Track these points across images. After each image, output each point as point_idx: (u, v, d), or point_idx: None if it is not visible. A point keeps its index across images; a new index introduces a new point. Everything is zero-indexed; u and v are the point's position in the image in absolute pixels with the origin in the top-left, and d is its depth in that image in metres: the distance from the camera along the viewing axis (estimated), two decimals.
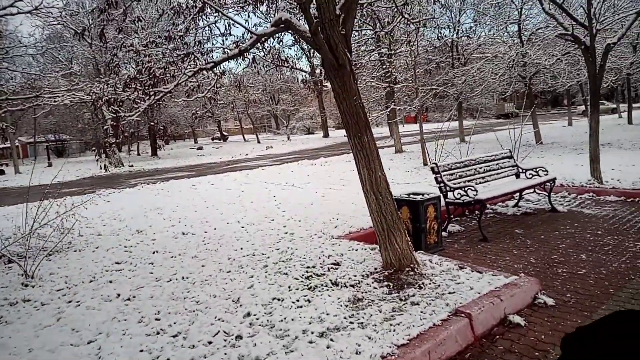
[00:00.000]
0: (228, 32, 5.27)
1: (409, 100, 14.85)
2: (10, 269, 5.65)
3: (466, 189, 5.65)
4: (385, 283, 3.98)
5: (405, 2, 6.14)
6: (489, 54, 17.07)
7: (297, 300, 3.69)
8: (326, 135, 41.21)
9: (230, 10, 5.47)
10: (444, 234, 5.58)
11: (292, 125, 49.44)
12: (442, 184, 5.85)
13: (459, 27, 17.67)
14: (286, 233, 6.25)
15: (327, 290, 3.89)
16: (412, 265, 4.15)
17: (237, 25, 5.88)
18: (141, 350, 3.14)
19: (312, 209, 7.87)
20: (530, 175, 7.00)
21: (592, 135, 7.79)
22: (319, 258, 4.81)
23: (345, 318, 3.29)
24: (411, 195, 5.10)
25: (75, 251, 6.32)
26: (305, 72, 37.56)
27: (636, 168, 9.40)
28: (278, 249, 5.41)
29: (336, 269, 4.46)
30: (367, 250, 4.96)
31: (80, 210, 7.21)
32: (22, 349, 3.35)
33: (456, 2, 17.88)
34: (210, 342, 3.17)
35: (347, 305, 3.53)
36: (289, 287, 4.01)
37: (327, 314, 3.37)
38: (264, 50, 6.14)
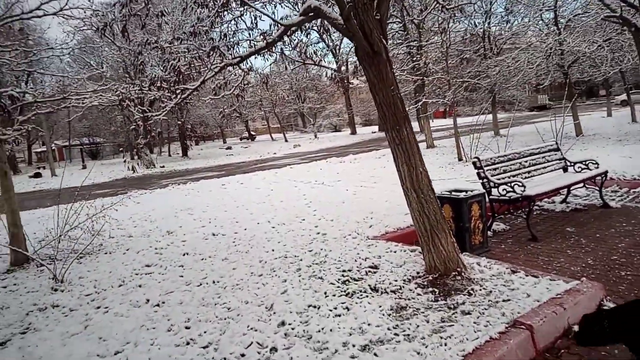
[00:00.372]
0: (255, 25, 5.04)
1: (441, 94, 14.34)
2: (42, 272, 5.59)
3: (512, 184, 5.24)
4: (430, 289, 3.65)
5: None
6: (522, 44, 16.36)
7: (335, 308, 3.41)
8: (353, 132, 40.78)
9: (257, 2, 5.24)
10: (488, 233, 5.19)
11: (319, 123, 49.23)
12: (485, 180, 5.45)
13: (490, 16, 17.01)
14: (318, 233, 5.99)
15: (367, 296, 3.60)
16: (458, 269, 3.81)
17: (263, 19, 5.64)
18: None
19: (343, 208, 7.58)
20: (580, 169, 6.50)
21: None
22: (355, 261, 4.52)
23: (389, 329, 2.99)
24: (453, 193, 4.74)
25: (106, 253, 6.24)
26: (332, 69, 37.25)
27: None
28: (311, 251, 5.15)
29: (374, 272, 4.16)
30: (406, 252, 4.64)
31: (110, 212, 7.15)
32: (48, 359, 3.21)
33: None
34: (243, 355, 2.93)
35: (390, 314, 3.23)
36: (325, 293, 3.74)
37: (369, 324, 3.08)
38: (291, 43, 5.87)
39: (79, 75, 7.76)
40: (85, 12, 6.42)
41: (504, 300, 3.30)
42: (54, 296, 4.57)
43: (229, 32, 5.01)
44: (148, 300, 4.14)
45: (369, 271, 4.20)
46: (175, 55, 5.19)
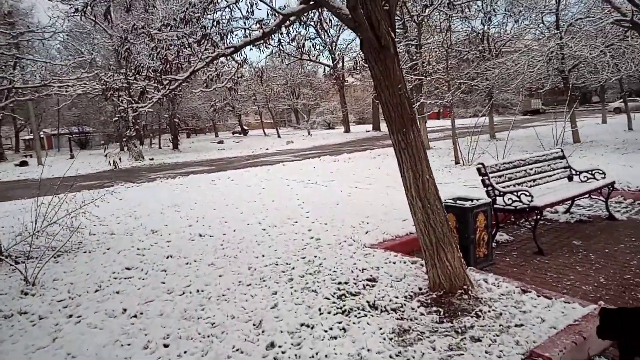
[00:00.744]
0: (251, 12, 4.68)
1: (440, 94, 14.05)
2: (14, 272, 5.18)
3: (519, 193, 4.94)
4: (434, 308, 3.34)
5: None
6: (522, 46, 16.10)
7: (331, 329, 3.09)
8: (347, 130, 40.45)
9: None
10: (492, 244, 4.90)
11: (313, 120, 48.82)
12: (490, 188, 5.16)
13: (490, 17, 16.72)
14: (312, 238, 5.67)
15: (365, 315, 3.28)
16: (465, 287, 3.50)
17: (260, 7, 5.27)
18: None
19: (338, 210, 7.26)
20: (585, 178, 6.24)
21: None
22: (352, 272, 4.20)
23: (391, 357, 2.68)
24: (458, 201, 4.43)
25: (85, 252, 5.86)
26: (328, 65, 36.85)
27: None
28: (304, 258, 4.82)
29: (373, 286, 3.85)
30: (406, 264, 4.32)
31: (92, 208, 6.77)
32: None
33: None
34: None
35: (391, 338, 2.91)
36: (320, 309, 3.41)
37: (369, 350, 2.76)
38: (289, 35, 5.52)
39: (64, 62, 7.32)
40: None
41: (516, 325, 3.00)
42: (23, 301, 4.20)
43: (223, 19, 4.63)
44: (125, 310, 3.79)
45: (367, 284, 3.88)
46: (164, 44, 4.82)
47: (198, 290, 4.08)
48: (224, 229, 6.52)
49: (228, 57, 5.58)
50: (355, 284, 3.91)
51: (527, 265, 4.60)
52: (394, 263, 4.37)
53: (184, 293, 4.05)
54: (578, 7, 14.83)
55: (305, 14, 5.36)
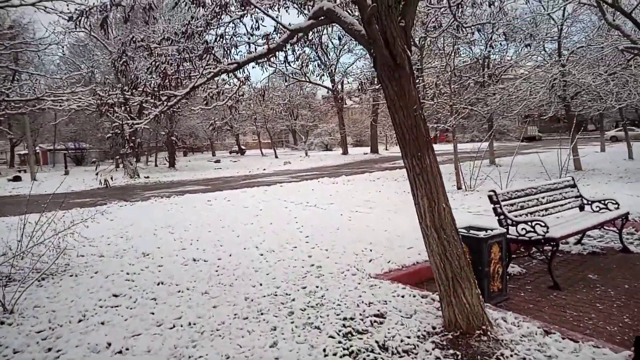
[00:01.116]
0: (256, 27, 4.48)
1: (442, 118, 13.92)
2: None
3: (534, 223, 4.68)
4: (451, 351, 3.03)
5: (460, 2, 5.30)
6: (524, 72, 16.10)
7: None
8: (345, 152, 40.34)
9: (260, 2, 4.69)
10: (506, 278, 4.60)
11: (310, 141, 48.80)
12: (502, 216, 4.89)
13: (492, 44, 16.76)
14: (312, 266, 5.36)
15: (375, 359, 2.95)
16: (484, 327, 3.20)
17: (264, 24, 5.08)
18: None
19: (339, 236, 6.97)
20: (597, 208, 5.99)
21: None
22: (358, 306, 3.89)
23: None
24: (471, 231, 4.16)
25: (71, 276, 5.52)
26: (328, 88, 37.01)
27: None
28: (304, 288, 4.50)
29: (381, 323, 3.53)
30: (416, 298, 4.02)
31: (81, 228, 6.45)
32: None
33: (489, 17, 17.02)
34: None
35: None
36: (324, 350, 3.09)
37: None
38: (294, 53, 5.33)
39: (59, 76, 7.10)
40: (68, 5, 5.80)
41: None
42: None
43: (227, 34, 4.42)
44: (109, 345, 3.45)
45: (375, 321, 3.57)
46: (164, 58, 4.60)
47: (190, 324, 3.74)
48: (219, 253, 6.20)
49: (230, 75, 5.37)
50: (362, 320, 3.60)
51: (544, 301, 4.30)
52: (403, 297, 4.06)
53: (174, 326, 3.72)
54: (579, 36, 14.87)
55: (311, 33, 5.19)
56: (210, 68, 4.23)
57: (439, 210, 3.19)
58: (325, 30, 6.77)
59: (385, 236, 6.69)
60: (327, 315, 3.70)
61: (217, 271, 5.33)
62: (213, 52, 4.04)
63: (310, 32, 5.05)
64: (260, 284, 4.71)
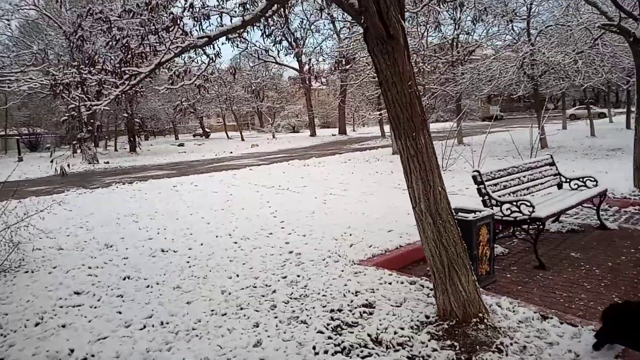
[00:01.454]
0: None
1: None
2: None
3: (519, 203, 4.56)
4: (448, 342, 2.85)
5: None
6: (491, 52, 16.15)
7: None
8: (313, 134, 39.96)
9: None
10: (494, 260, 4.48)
11: (277, 123, 48.09)
12: (486, 197, 4.76)
13: (460, 24, 16.68)
14: (291, 253, 5.10)
15: (370, 355, 2.74)
16: (480, 315, 3.04)
17: None
18: None
19: (315, 220, 6.73)
20: (576, 186, 5.98)
21: (638, 140, 6.81)
22: (344, 296, 3.66)
23: None
24: (460, 213, 3.98)
25: (26, 272, 5.04)
26: (295, 69, 36.36)
27: None
28: (285, 278, 4.24)
29: (371, 313, 3.32)
30: (404, 285, 3.83)
31: (36, 220, 5.95)
32: None
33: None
34: None
35: None
36: (314, 347, 2.85)
37: None
38: (269, 27, 4.95)
39: (7, 55, 6.44)
40: None
41: None
42: None
43: (196, 4, 4.00)
44: (72, 351, 3.09)
45: (364, 312, 3.35)
46: (126, 32, 4.14)
47: (162, 323, 3.42)
48: (190, 243, 5.85)
49: (198, 51, 4.96)
50: (350, 311, 3.37)
51: (531, 282, 4.21)
52: (390, 284, 3.87)
53: (145, 327, 3.38)
54: (547, 15, 14.95)
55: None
56: (178, 42, 3.81)
57: (435, 194, 2.97)
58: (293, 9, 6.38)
59: (363, 220, 6.50)
60: (313, 308, 3.46)
61: (188, 262, 4.98)
62: (181, 24, 3.63)
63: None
64: (237, 275, 4.41)
